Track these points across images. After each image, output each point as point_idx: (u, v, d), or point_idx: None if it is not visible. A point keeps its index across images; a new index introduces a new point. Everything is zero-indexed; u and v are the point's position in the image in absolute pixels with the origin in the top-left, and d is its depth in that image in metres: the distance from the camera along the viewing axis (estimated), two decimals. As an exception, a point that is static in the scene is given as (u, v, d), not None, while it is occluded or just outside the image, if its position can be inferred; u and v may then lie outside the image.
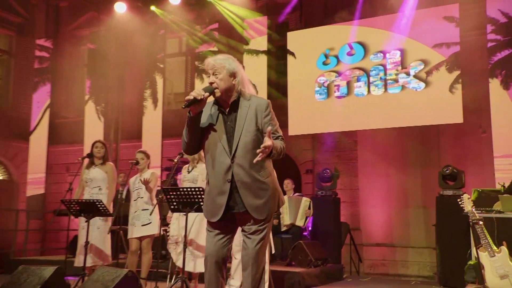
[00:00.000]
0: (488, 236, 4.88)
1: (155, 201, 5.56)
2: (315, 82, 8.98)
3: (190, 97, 2.80)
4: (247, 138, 2.90)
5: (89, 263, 5.29)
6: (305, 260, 6.48)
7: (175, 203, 4.70)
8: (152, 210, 5.41)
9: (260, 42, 9.47)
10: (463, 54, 8.00)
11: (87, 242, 5.11)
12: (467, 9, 8.09)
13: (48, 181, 11.38)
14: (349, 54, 8.75)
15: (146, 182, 5.37)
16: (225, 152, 2.90)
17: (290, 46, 9.33)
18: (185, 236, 4.71)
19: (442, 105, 7.96)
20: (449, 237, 6.52)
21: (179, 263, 5.31)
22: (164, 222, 5.97)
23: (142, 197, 5.48)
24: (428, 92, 8.13)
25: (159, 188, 5.84)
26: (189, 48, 10.76)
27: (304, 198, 7.05)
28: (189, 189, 4.60)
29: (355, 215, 9.51)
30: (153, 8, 9.99)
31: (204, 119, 2.95)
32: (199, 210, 4.64)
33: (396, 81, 8.35)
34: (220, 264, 2.97)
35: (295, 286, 5.90)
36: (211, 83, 2.91)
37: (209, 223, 3.04)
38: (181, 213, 5.17)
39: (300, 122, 8.86)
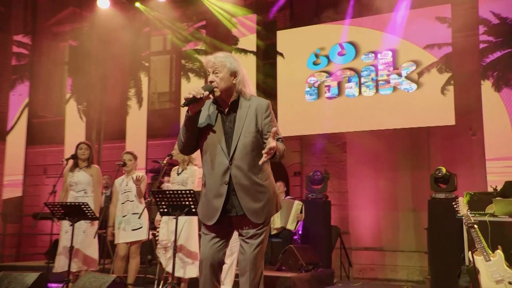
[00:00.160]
0: (483, 240, 4.94)
1: (143, 204, 5.51)
2: (305, 83, 9.01)
3: (189, 95, 2.75)
4: (246, 140, 2.87)
5: (73, 269, 5.20)
6: (296, 264, 6.48)
7: (164, 206, 4.66)
8: (141, 214, 5.36)
9: (249, 41, 9.45)
10: (455, 55, 8.10)
11: (71, 247, 5.04)
12: (459, 9, 8.18)
13: (26, 183, 11.18)
14: (340, 54, 8.79)
15: (138, 181, 5.32)
16: (223, 153, 2.88)
17: (279, 45, 9.35)
18: (175, 240, 4.67)
19: (434, 107, 8.04)
20: (442, 241, 6.57)
21: (169, 269, 5.27)
22: (152, 226, 5.92)
23: (132, 201, 5.43)
24: (420, 94, 8.20)
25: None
26: (174, 46, 10.70)
27: (296, 202, 7.05)
28: (179, 192, 4.56)
29: (344, 218, 9.54)
30: (137, 4, 9.90)
31: (202, 119, 2.92)
32: (189, 213, 4.61)
33: (387, 82, 8.42)
34: (216, 268, 2.95)
35: (286, 291, 5.89)
36: (211, 82, 2.87)
37: (204, 226, 3.02)
38: (171, 217, 5.13)
39: (290, 124, 8.86)
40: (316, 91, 8.92)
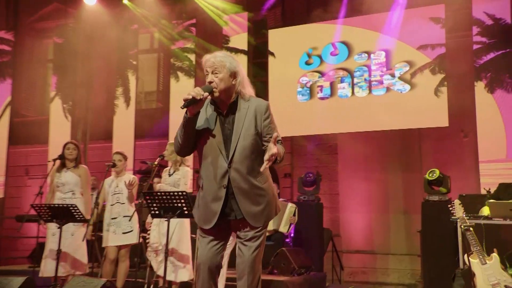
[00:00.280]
0: (478, 243, 4.98)
1: (134, 207, 5.48)
2: (297, 83, 9.01)
3: (189, 96, 2.73)
4: (246, 142, 2.86)
5: (60, 273, 5.14)
6: (288, 268, 6.47)
7: (156, 208, 4.62)
8: (132, 216, 5.32)
9: (240, 40, 9.43)
10: (448, 56, 8.16)
11: (59, 250, 4.98)
12: (453, 10, 8.25)
13: (8, 185, 11.02)
14: (333, 54, 8.81)
15: (131, 185, 5.29)
16: (221, 156, 2.86)
17: (271, 45, 9.34)
18: (166, 243, 4.63)
19: (428, 108, 8.10)
20: (435, 243, 6.62)
21: (160, 272, 5.24)
22: (142, 228, 5.88)
23: (123, 203, 5.38)
24: (413, 95, 8.26)
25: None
26: (162, 45, 10.63)
27: (290, 204, 7.04)
28: (171, 193, 4.53)
29: (335, 221, 9.56)
30: (125, 1, 9.83)
31: (200, 121, 2.89)
32: (181, 215, 4.57)
33: (380, 82, 8.46)
34: (214, 272, 2.95)
35: (278, 296, 5.89)
36: (210, 82, 2.85)
37: (201, 229, 3.00)
38: (162, 219, 5.10)
39: (281, 124, 8.74)
40: (308, 91, 8.93)
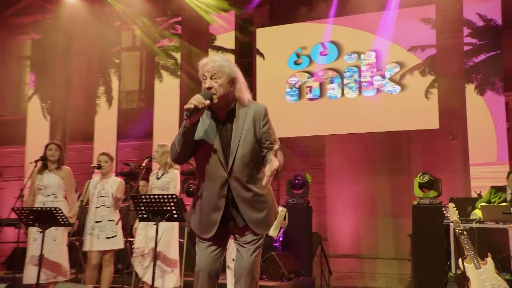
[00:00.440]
0: (472, 247, 5.03)
1: (118, 213, 5.41)
2: (286, 83, 9.01)
3: (191, 105, 2.65)
4: (245, 150, 2.83)
5: (42, 279, 5.03)
6: (278, 273, 6.48)
7: (144, 212, 4.56)
8: (118, 221, 5.25)
9: (226, 39, 9.39)
10: (439, 57, 8.23)
11: (41, 256, 4.87)
12: (444, 10, 8.34)
13: (-18, 187, 10.82)
14: (322, 54, 8.82)
15: (117, 200, 5.23)
16: (220, 165, 2.83)
17: (259, 44, 9.32)
18: (155, 247, 4.57)
19: (418, 110, 8.16)
20: (426, 248, 6.68)
21: (146, 278, 5.19)
22: (128, 233, 5.81)
23: (108, 207, 5.30)
24: (403, 96, 8.31)
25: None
26: (144, 42, 10.53)
27: (281, 208, 6.97)
28: (160, 196, 4.48)
29: (322, 224, 9.57)
30: (107, -4, 9.72)
31: (198, 128, 2.83)
32: (171, 219, 4.53)
33: (371, 83, 8.51)
34: (213, 278, 2.93)
35: (268, 302, 5.87)
36: (208, 88, 2.78)
37: (199, 236, 2.98)
38: (149, 223, 5.04)
39: (269, 125, 8.82)
40: (297, 92, 8.93)
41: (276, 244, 7.30)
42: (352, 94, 8.60)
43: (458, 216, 5.21)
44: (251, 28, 9.73)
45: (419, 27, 8.23)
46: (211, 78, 2.79)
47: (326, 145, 9.69)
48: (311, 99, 8.85)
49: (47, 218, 4.86)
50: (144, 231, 5.24)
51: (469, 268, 4.93)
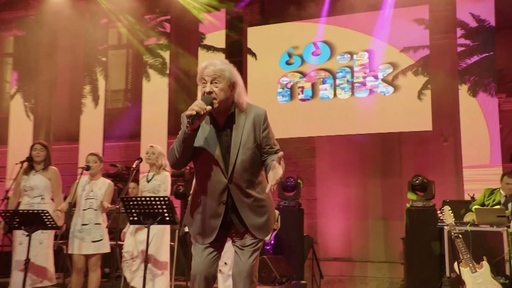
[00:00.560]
0: (467, 250, 5.07)
1: (105, 215, 5.36)
2: (277, 83, 9.01)
3: (192, 112, 2.64)
4: (245, 156, 2.83)
5: (27, 284, 4.96)
6: (269, 277, 6.47)
7: (135, 215, 4.53)
8: (108, 224, 5.21)
9: (216, 38, 9.36)
10: (432, 58, 8.29)
11: (27, 260, 4.81)
12: (437, 11, 8.40)
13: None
14: (315, 54, 8.84)
15: (104, 210, 5.18)
16: (220, 171, 2.83)
17: (250, 43, 9.31)
18: (146, 251, 4.54)
19: (411, 111, 8.21)
20: (420, 251, 6.71)
21: (134, 283, 5.16)
22: (118, 236, 5.76)
23: (96, 210, 5.23)
24: (396, 97, 8.36)
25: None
26: (131, 40, 10.44)
27: (273, 210, 7.04)
28: (152, 199, 4.45)
29: (312, 227, 9.58)
30: (94, -8, 9.62)
31: (197, 135, 2.80)
32: (162, 222, 4.51)
33: (363, 84, 8.54)
34: (210, 281, 2.93)
35: (260, 306, 5.86)
36: (209, 93, 2.77)
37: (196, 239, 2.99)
38: (138, 226, 5.01)
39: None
40: (289, 92, 8.93)
41: (268, 248, 7.29)
42: (344, 95, 8.62)
43: (454, 219, 5.26)
44: (240, 25, 9.70)
45: (412, 27, 8.28)
46: (211, 83, 2.78)
47: (316, 147, 9.70)
48: (303, 100, 8.87)
49: (33, 220, 4.79)
50: (133, 235, 5.21)
51: (465, 272, 4.98)
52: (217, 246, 2.95)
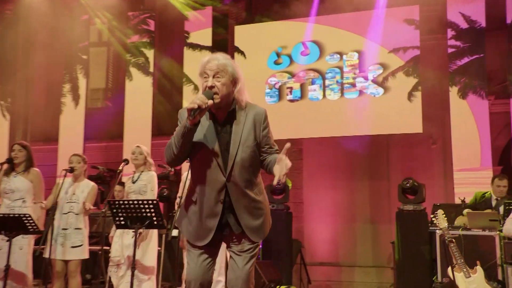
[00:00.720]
0: (461, 255, 5.12)
1: (87, 219, 5.28)
2: (265, 84, 9.00)
3: (194, 105, 2.63)
4: (245, 155, 2.83)
5: (5, 292, 4.88)
6: (258, 282, 6.44)
7: (122, 218, 4.47)
8: (89, 228, 5.15)
9: (202, 36, 9.32)
10: (423, 59, 8.36)
11: (7, 266, 4.71)
12: (428, 11, 8.47)
13: None
14: (304, 53, 8.85)
15: (86, 212, 5.11)
16: (219, 169, 2.81)
17: (237, 42, 9.29)
18: (134, 255, 4.49)
19: (401, 113, 8.26)
20: (411, 255, 6.75)
21: (121, 288, 5.09)
22: (105, 240, 5.70)
23: (77, 214, 5.15)
24: (386, 99, 8.41)
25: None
26: (113, 38, 10.35)
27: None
28: (140, 202, 4.40)
29: (299, 231, 9.57)
30: (74, -12, 9.52)
31: (196, 130, 2.79)
32: (150, 226, 4.47)
33: (353, 85, 8.57)
34: None
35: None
36: (210, 87, 2.75)
37: (190, 243, 2.95)
38: (126, 230, 4.95)
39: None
40: (277, 93, 8.93)
41: (255, 252, 7.26)
42: (334, 96, 8.65)
43: (447, 223, 5.31)
44: (227, 23, 9.66)
45: (402, 27, 8.34)
46: (213, 77, 2.77)
47: (303, 149, 9.71)
48: (291, 101, 8.87)
49: (14, 225, 4.70)
50: (120, 239, 5.15)
51: (459, 277, 5.03)
52: (212, 252, 2.93)
